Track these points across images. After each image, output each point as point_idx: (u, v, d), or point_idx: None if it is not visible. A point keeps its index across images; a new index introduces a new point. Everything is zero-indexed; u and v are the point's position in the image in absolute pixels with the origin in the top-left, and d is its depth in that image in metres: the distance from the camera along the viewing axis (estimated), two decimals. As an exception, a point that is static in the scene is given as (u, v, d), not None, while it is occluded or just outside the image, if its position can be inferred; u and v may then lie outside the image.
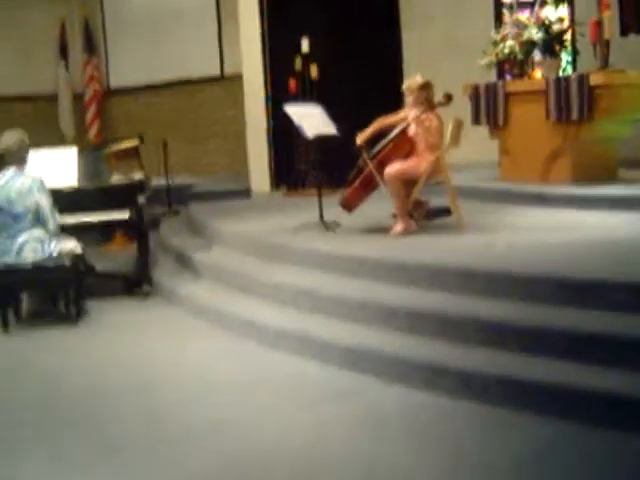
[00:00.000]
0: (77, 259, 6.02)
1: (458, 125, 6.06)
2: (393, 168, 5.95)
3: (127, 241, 7.93)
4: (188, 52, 12.30)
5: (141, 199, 6.52)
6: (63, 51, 13.19)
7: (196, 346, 5.27)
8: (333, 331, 4.72)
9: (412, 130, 6.12)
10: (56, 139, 13.13)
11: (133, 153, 8.71)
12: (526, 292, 4.39)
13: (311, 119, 6.61)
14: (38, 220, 5.82)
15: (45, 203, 5.82)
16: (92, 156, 7.02)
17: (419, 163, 6.01)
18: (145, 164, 10.98)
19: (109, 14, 13.30)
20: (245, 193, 9.56)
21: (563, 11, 9.64)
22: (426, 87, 6.18)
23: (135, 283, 6.70)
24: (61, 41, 13.19)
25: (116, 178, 6.94)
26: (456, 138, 6.05)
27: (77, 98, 13.31)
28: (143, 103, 13.11)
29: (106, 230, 7.51)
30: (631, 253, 4.94)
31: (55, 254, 5.85)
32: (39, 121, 13.35)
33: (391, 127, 6.26)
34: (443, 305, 4.50)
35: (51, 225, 5.87)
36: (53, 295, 6.37)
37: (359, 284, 5.12)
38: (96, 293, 6.59)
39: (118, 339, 5.55)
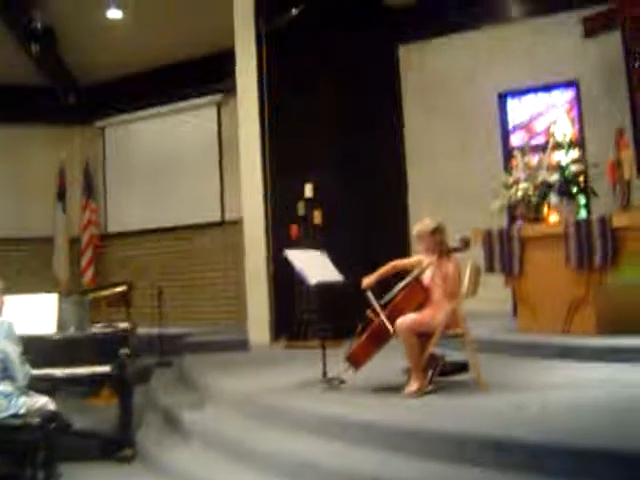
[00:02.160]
0: (49, 417, 5.33)
1: (476, 271, 5.50)
2: (406, 319, 5.34)
3: (114, 395, 7.24)
4: (189, 198, 12.10)
5: (124, 351, 5.89)
6: (61, 193, 12.95)
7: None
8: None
9: (427, 278, 5.56)
10: (50, 282, 12.72)
11: (122, 300, 8.25)
12: (575, 468, 3.65)
13: (314, 265, 6.10)
14: (5, 371, 5.17)
15: (13, 352, 5.18)
16: (76, 302, 6.45)
17: (434, 314, 5.41)
18: (139, 311, 10.50)
19: (110, 158, 13.18)
20: (243, 344, 8.98)
21: (574, 155, 9.39)
22: (438, 231, 5.66)
23: (115, 445, 5.96)
24: (60, 183, 12.97)
25: (98, 327, 6.36)
26: (474, 285, 5.48)
27: (74, 241, 12.95)
28: (141, 248, 12.79)
29: (92, 382, 6.84)
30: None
31: (23, 411, 5.17)
32: (33, 264, 13.00)
33: (402, 272, 5.70)
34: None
35: (20, 377, 5.20)
36: (20, 457, 5.61)
37: (368, 455, 4.39)
38: (72, 454, 5.86)
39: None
